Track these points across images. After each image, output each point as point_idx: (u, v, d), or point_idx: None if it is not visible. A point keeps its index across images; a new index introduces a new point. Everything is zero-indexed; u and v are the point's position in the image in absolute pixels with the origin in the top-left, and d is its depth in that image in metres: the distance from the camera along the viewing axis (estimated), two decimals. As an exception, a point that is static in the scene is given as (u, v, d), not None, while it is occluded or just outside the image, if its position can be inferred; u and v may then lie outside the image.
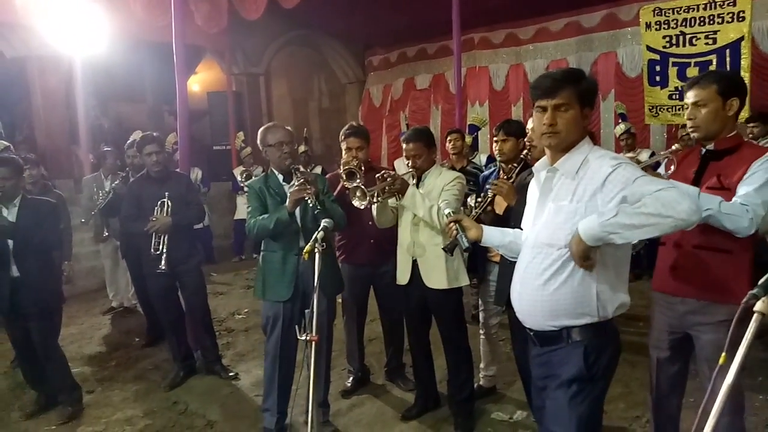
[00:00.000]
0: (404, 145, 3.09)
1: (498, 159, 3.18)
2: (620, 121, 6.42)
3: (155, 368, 4.24)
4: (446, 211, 2.05)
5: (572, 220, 1.73)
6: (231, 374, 4.00)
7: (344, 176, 3.23)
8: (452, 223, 2.01)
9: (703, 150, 2.19)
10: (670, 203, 1.53)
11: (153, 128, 8.87)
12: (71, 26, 6.80)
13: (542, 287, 1.80)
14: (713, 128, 2.11)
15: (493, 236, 2.04)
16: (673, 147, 2.29)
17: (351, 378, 3.75)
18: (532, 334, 1.89)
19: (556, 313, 1.79)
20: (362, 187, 2.84)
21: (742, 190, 2.01)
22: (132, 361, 4.43)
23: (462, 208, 3.09)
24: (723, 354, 1.10)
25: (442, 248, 2.76)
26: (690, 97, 2.15)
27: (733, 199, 2.01)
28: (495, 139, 3.14)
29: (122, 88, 10.18)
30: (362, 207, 2.89)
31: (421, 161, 3.06)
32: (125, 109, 10.57)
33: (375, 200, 2.92)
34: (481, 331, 3.49)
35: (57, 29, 6.81)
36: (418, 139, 3.05)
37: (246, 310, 5.61)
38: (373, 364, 4.02)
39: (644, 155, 5.34)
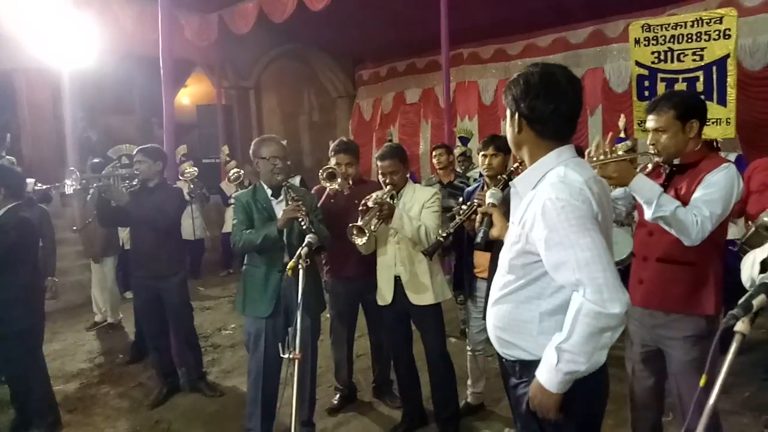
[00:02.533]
0: (379, 163, 3.09)
1: (485, 174, 3.17)
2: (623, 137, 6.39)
3: (139, 386, 4.16)
4: (490, 201, 2.00)
5: (515, 246, 1.56)
6: (215, 392, 3.93)
7: (324, 175, 3.24)
8: (482, 214, 1.93)
9: (667, 167, 2.23)
10: (584, 344, 1.42)
11: (142, 140, 8.85)
12: (59, 39, 6.77)
13: (491, 309, 1.67)
14: (674, 151, 2.15)
15: None
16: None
17: (338, 395, 3.70)
18: (503, 360, 1.73)
19: (501, 338, 1.64)
20: (358, 224, 2.83)
21: (693, 201, 2.04)
22: (115, 378, 4.34)
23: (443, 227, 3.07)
24: (703, 376, 1.08)
25: (422, 251, 2.78)
26: (649, 121, 2.19)
27: (687, 207, 2.03)
28: (483, 153, 3.12)
29: (111, 101, 10.15)
30: (363, 242, 2.87)
31: (398, 178, 3.06)
32: (114, 122, 10.51)
33: (372, 231, 2.90)
34: (468, 348, 3.46)
35: (45, 42, 6.77)
36: (393, 155, 3.06)
37: (233, 326, 5.54)
38: (361, 380, 3.98)
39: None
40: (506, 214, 2.64)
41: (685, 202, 2.06)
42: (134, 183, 3.73)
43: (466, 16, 7.40)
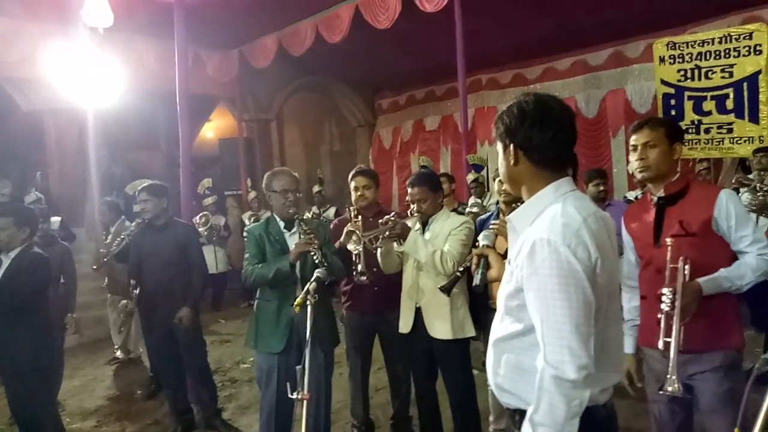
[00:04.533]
0: (409, 189, 3.04)
1: (501, 200, 3.10)
2: None
3: (155, 423, 4.09)
4: (482, 243, 1.92)
5: (509, 285, 1.45)
6: (230, 430, 3.84)
7: (345, 234, 3.19)
8: (477, 256, 1.83)
9: (654, 198, 2.18)
10: (552, 414, 1.32)
11: (167, 175, 9.01)
12: (86, 80, 6.97)
13: (489, 352, 1.55)
14: (663, 168, 2.14)
15: None
16: None
17: (354, 432, 3.57)
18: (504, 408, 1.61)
19: (500, 386, 1.52)
20: (357, 231, 2.77)
21: (742, 240, 2.01)
22: (132, 415, 4.29)
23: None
24: (736, 429, 0.96)
25: (439, 288, 2.66)
26: (639, 138, 2.17)
27: (745, 257, 2.01)
28: (499, 179, 3.07)
29: (136, 137, 10.38)
30: (356, 252, 2.82)
31: (426, 205, 2.99)
32: (139, 157, 10.74)
33: (372, 245, 2.84)
34: (489, 382, 3.30)
35: (72, 83, 6.98)
36: (422, 183, 3.00)
37: (251, 359, 5.42)
38: (379, 416, 3.83)
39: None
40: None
41: (696, 235, 2.03)
42: (140, 221, 3.81)
43: (483, 43, 7.41)
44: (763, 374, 0.96)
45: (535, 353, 1.39)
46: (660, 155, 2.12)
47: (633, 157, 2.19)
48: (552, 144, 1.42)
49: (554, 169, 1.45)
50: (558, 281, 1.30)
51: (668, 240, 2.05)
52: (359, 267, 2.92)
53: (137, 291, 3.71)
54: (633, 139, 2.19)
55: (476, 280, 1.81)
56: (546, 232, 1.34)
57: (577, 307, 1.30)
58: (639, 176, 2.20)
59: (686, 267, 1.98)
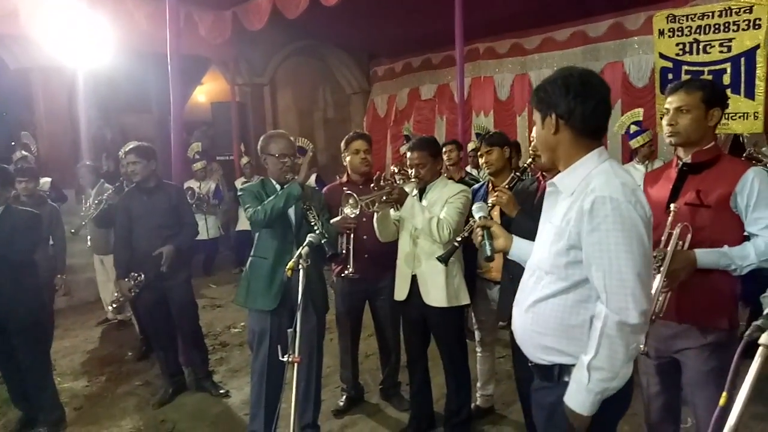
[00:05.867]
0: (408, 154, 3.00)
1: (488, 172, 3.11)
2: (637, 128, 6.18)
3: (145, 384, 4.13)
4: (478, 215, 1.92)
5: (556, 245, 1.54)
6: (221, 391, 3.89)
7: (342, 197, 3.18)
8: (480, 228, 1.85)
9: (680, 163, 2.10)
10: (612, 358, 1.44)
11: (159, 138, 8.88)
12: (75, 38, 6.80)
13: (526, 313, 1.63)
14: (694, 136, 2.03)
15: (522, 249, 1.82)
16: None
17: (344, 396, 3.63)
18: (530, 364, 1.69)
19: (541, 344, 1.59)
20: (354, 195, 2.74)
21: (757, 221, 1.92)
22: (123, 376, 4.33)
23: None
24: (723, 394, 0.97)
25: (437, 257, 2.61)
26: (673, 101, 2.07)
27: (756, 240, 1.92)
28: (479, 152, 3.11)
29: (127, 99, 10.19)
30: (353, 215, 2.80)
31: (425, 171, 2.95)
32: (130, 120, 10.57)
33: (369, 209, 2.82)
34: (478, 349, 3.35)
35: (61, 41, 6.80)
36: (422, 147, 2.96)
37: (242, 324, 5.48)
38: (369, 381, 3.90)
39: (657, 164, 5.24)
40: (521, 211, 2.58)
41: (711, 207, 1.97)
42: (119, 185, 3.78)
43: (481, 10, 7.26)
44: (753, 341, 0.97)
45: (579, 309, 1.51)
46: (692, 122, 2.00)
47: (665, 120, 2.09)
48: (595, 113, 1.54)
49: (594, 137, 1.57)
50: (621, 234, 1.41)
51: (672, 206, 1.99)
52: (349, 268, 3.19)
53: (141, 278, 3.60)
54: (667, 102, 2.08)
55: (487, 252, 1.81)
56: (606, 190, 1.44)
57: (639, 258, 1.43)
58: (668, 141, 2.11)
59: (688, 236, 1.93)
